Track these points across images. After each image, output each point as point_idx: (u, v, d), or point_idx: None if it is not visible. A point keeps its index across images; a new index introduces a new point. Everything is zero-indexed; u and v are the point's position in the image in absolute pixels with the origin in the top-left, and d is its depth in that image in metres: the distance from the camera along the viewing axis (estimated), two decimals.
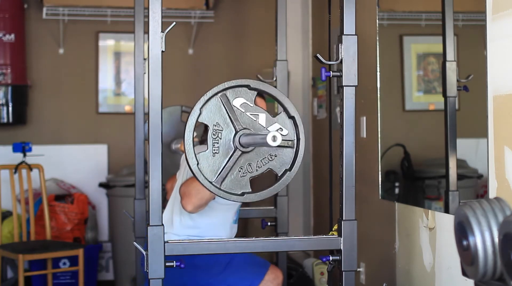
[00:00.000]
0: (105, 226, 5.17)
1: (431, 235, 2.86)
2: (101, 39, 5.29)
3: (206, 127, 2.15)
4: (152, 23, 2.12)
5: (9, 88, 4.86)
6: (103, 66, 5.30)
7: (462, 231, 1.48)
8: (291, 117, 2.18)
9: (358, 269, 3.63)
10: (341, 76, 2.23)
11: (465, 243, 1.47)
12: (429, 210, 2.90)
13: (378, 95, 3.54)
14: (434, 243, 2.84)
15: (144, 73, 3.33)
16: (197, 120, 2.09)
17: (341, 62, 2.23)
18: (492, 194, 2.32)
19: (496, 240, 1.41)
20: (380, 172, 3.54)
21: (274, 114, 2.20)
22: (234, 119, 2.13)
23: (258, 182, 2.25)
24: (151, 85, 2.14)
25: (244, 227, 5.01)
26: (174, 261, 2.15)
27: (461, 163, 3.01)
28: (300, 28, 5.30)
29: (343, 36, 2.24)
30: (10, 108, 4.88)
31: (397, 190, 3.73)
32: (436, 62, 3.59)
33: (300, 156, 2.18)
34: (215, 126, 2.12)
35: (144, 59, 3.34)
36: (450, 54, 2.90)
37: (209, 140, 2.11)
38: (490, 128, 2.33)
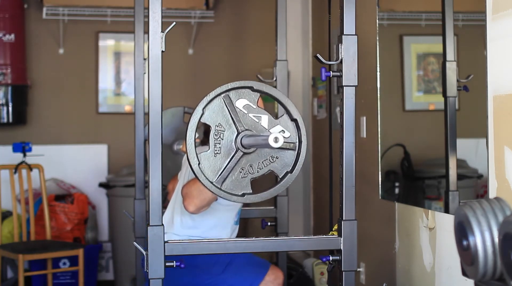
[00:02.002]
0: (105, 226, 5.17)
1: (431, 235, 2.86)
2: (101, 39, 5.29)
3: (207, 128, 2.15)
4: (152, 23, 2.12)
5: (9, 88, 4.86)
6: (103, 66, 5.30)
7: (462, 231, 1.48)
8: (294, 120, 2.19)
9: (358, 269, 3.63)
10: (341, 76, 2.23)
11: (465, 243, 1.47)
12: (429, 210, 2.90)
13: (378, 95, 3.54)
14: (434, 243, 2.84)
15: (144, 73, 3.33)
16: (199, 120, 2.10)
17: (341, 62, 2.23)
18: (492, 194, 2.32)
19: (496, 240, 1.41)
20: (380, 172, 3.54)
21: (275, 115, 2.21)
22: (236, 120, 2.13)
23: (259, 183, 2.25)
24: (151, 85, 2.14)
25: (244, 227, 5.01)
26: (174, 261, 2.15)
27: (461, 163, 3.01)
28: (300, 28, 5.30)
29: (343, 36, 2.24)
30: (10, 108, 4.88)
31: (397, 190, 3.73)
32: (436, 62, 3.59)
33: (301, 159, 2.18)
34: (218, 126, 2.12)
35: (144, 59, 3.35)
36: (450, 54, 2.90)
37: (211, 141, 2.11)
38: (490, 128, 2.33)
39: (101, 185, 4.90)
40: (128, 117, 4.99)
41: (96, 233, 4.97)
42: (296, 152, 2.19)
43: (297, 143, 2.19)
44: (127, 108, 5.31)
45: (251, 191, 2.16)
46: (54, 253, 4.13)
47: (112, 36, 5.34)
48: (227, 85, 2.13)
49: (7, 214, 4.69)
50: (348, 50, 2.23)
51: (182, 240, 2.30)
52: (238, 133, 2.13)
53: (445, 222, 2.75)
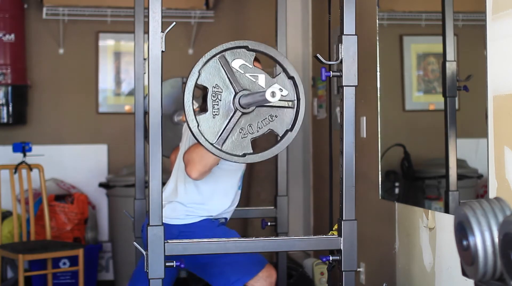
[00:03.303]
0: (105, 226, 5.17)
1: (431, 235, 2.86)
2: (101, 39, 5.29)
3: (205, 94, 2.14)
4: (152, 23, 2.12)
5: (9, 88, 4.86)
6: (103, 66, 5.30)
7: (462, 231, 1.48)
8: (291, 78, 2.18)
9: (358, 269, 3.63)
10: (341, 76, 2.23)
11: (465, 243, 1.47)
12: (429, 210, 2.90)
13: (378, 95, 3.54)
14: (434, 243, 2.84)
15: (144, 73, 3.34)
16: (196, 82, 2.09)
17: (341, 62, 2.23)
18: (492, 194, 2.32)
19: (496, 240, 1.41)
20: (380, 172, 3.54)
21: (273, 75, 2.20)
22: (233, 80, 2.12)
23: (259, 145, 2.23)
24: (151, 85, 2.14)
25: (244, 227, 5.01)
26: (174, 261, 2.15)
27: (461, 163, 3.01)
28: (300, 28, 5.30)
29: (343, 36, 2.24)
30: (10, 108, 4.88)
31: (397, 190, 3.73)
32: (436, 62, 3.59)
33: (301, 116, 2.18)
34: (215, 88, 2.11)
35: (144, 59, 3.35)
36: (450, 54, 2.90)
37: (209, 102, 2.10)
38: (490, 128, 2.33)
39: (101, 185, 4.90)
40: (128, 117, 5.00)
41: (96, 233, 4.97)
42: (295, 110, 2.18)
43: (296, 101, 2.18)
44: (127, 108, 5.31)
45: (251, 151, 2.15)
46: (54, 253, 4.14)
47: (112, 36, 5.34)
48: (222, 46, 2.12)
49: (7, 214, 4.69)
50: (348, 50, 2.23)
51: (182, 240, 2.30)
52: (236, 93, 2.12)
53: (445, 222, 2.75)
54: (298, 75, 2.19)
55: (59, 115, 5.24)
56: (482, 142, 2.44)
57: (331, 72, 2.25)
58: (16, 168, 4.37)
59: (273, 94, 1.93)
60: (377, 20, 3.55)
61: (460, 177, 2.94)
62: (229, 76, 2.12)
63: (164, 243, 2.15)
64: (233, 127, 2.12)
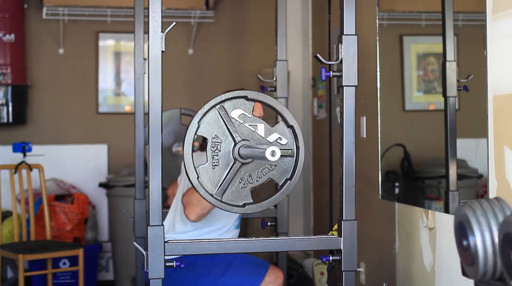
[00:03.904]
0: (105, 226, 5.17)
1: (431, 235, 2.86)
2: (101, 39, 5.29)
3: (204, 139, 2.15)
4: (152, 23, 2.12)
5: (9, 88, 4.86)
6: (103, 66, 5.30)
7: (462, 231, 1.48)
8: (290, 126, 2.19)
9: (358, 269, 3.63)
10: (341, 76, 2.23)
11: (465, 243, 1.47)
12: (429, 210, 2.90)
13: (378, 95, 3.54)
14: (434, 243, 2.84)
15: (144, 73, 3.33)
16: (195, 134, 2.09)
17: (341, 62, 2.23)
18: (492, 194, 2.32)
19: (496, 240, 1.41)
20: (380, 172, 3.54)
21: (273, 123, 2.21)
22: (232, 130, 2.13)
23: (258, 190, 2.25)
24: (151, 85, 2.14)
25: (244, 227, 5.01)
26: (174, 261, 2.15)
27: (461, 163, 3.01)
28: (300, 28, 5.30)
29: (343, 36, 2.23)
30: (10, 108, 4.88)
31: (397, 190, 3.73)
32: (436, 62, 3.59)
33: (300, 165, 2.18)
34: (214, 138, 2.12)
35: (144, 59, 3.35)
36: (450, 54, 2.90)
37: (208, 153, 2.11)
38: (490, 128, 2.33)
39: (101, 185, 4.90)
40: (128, 117, 5.00)
41: (96, 233, 4.97)
42: (294, 159, 2.19)
43: (295, 150, 2.19)
44: (127, 108, 5.31)
45: (251, 201, 2.16)
46: (54, 253, 4.14)
47: (112, 36, 5.34)
48: (221, 96, 2.12)
49: (7, 214, 4.69)
50: (348, 50, 2.23)
51: (182, 240, 2.30)
52: (236, 144, 2.12)
53: (445, 222, 2.75)
54: (297, 124, 2.19)
55: (59, 115, 5.24)
56: (482, 142, 2.44)
57: (331, 72, 2.25)
58: (16, 168, 4.36)
59: (273, 153, 1.93)
60: (377, 20, 3.55)
61: (460, 177, 2.94)
62: (228, 126, 2.12)
63: (164, 243, 2.15)
64: (233, 178, 2.13)
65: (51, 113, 5.22)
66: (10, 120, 4.90)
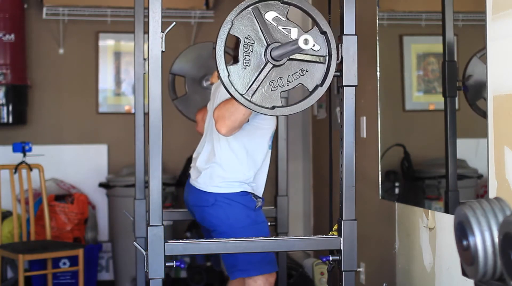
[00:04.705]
0: (105, 226, 5.17)
1: (431, 235, 2.86)
2: (101, 39, 5.29)
3: (237, 44, 2.12)
4: (152, 23, 2.12)
5: (9, 88, 4.86)
6: (103, 66, 5.30)
7: (462, 231, 1.48)
8: (323, 33, 2.16)
9: (358, 269, 3.63)
10: (341, 76, 2.23)
11: (465, 243, 1.47)
12: (429, 210, 2.90)
13: (378, 95, 3.54)
14: (434, 243, 2.84)
15: (144, 73, 3.34)
16: (229, 32, 2.07)
17: (341, 62, 2.23)
18: (492, 194, 2.32)
19: (496, 240, 1.41)
20: (380, 172, 3.54)
21: (306, 30, 2.17)
22: (266, 32, 2.10)
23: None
24: (151, 85, 2.14)
25: None
26: (174, 261, 2.15)
27: (461, 163, 3.01)
28: None
29: (343, 36, 2.24)
30: (10, 108, 4.88)
31: (397, 190, 3.73)
32: (436, 62, 3.59)
33: (331, 72, 2.15)
34: (247, 39, 2.09)
35: (144, 59, 3.35)
36: (450, 54, 2.90)
37: (241, 53, 2.08)
38: (490, 128, 2.33)
39: (101, 185, 4.90)
40: (128, 117, 5.00)
41: (96, 233, 4.97)
42: (326, 65, 2.16)
43: (327, 57, 2.16)
44: (127, 108, 5.31)
45: (281, 104, 2.13)
46: (54, 253, 4.13)
47: (112, 36, 5.34)
48: None
49: (7, 214, 4.69)
50: (348, 50, 2.23)
51: (182, 240, 2.30)
52: (268, 45, 2.10)
53: (445, 222, 2.75)
54: (331, 30, 2.15)
55: (59, 115, 5.24)
56: (482, 142, 2.44)
57: None
58: (16, 168, 4.36)
59: (306, 41, 1.91)
60: (377, 20, 3.55)
61: (460, 177, 2.94)
62: (261, 28, 2.10)
63: (164, 243, 2.15)
64: (263, 79, 2.10)
65: (51, 113, 5.22)
66: (10, 120, 4.90)
